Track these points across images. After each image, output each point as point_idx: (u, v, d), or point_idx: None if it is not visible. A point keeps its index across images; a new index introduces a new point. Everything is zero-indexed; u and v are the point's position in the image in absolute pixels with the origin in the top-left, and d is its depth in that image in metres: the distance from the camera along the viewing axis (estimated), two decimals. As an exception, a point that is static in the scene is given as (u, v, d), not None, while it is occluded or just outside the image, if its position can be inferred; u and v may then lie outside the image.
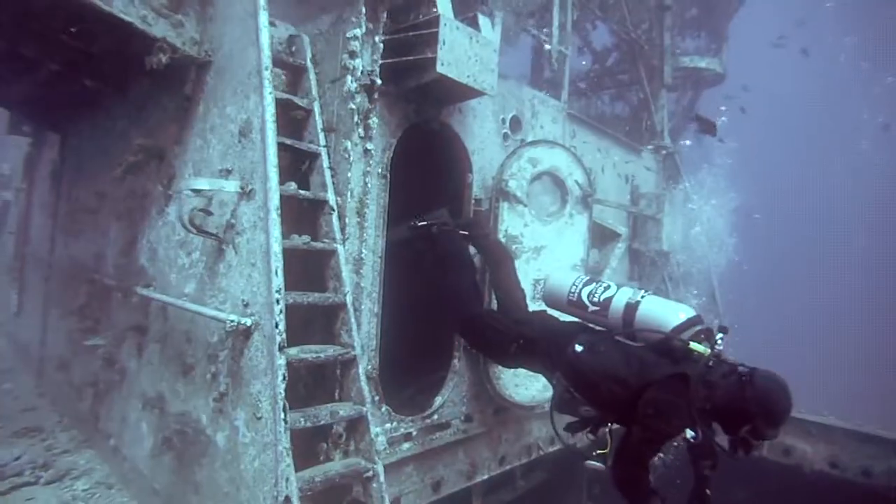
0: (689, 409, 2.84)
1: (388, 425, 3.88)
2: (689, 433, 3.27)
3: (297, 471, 2.81)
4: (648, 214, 6.22)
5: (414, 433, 4.07)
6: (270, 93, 2.88)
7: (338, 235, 3.41)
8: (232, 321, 2.63)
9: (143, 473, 3.58)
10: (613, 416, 3.23)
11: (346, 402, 3.23)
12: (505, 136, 4.67)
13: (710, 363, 2.93)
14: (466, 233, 4.02)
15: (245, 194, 2.86)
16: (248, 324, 2.66)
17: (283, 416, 2.52)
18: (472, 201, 4.39)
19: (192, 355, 3.22)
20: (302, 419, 2.89)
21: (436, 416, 4.24)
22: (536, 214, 4.54)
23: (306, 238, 3.26)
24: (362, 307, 3.65)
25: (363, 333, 3.69)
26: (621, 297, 3.41)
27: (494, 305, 4.10)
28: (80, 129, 5.08)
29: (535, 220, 4.53)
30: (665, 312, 3.24)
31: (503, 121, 4.67)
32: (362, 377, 3.23)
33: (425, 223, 3.89)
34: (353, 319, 3.29)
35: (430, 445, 4.18)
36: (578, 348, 3.27)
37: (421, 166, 4.26)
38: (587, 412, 3.36)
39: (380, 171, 3.76)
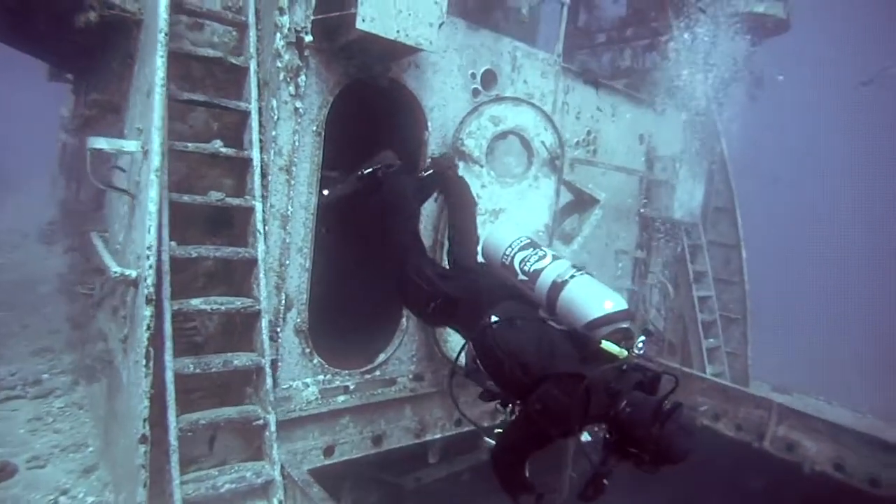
0: (578, 415, 2.70)
1: (320, 377, 4.13)
2: (585, 436, 3.24)
3: (183, 413, 3.16)
4: (662, 179, 5.86)
5: (351, 387, 4.30)
6: (162, 56, 3.04)
7: (257, 192, 3.59)
8: (115, 272, 2.93)
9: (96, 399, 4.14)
10: (514, 398, 3.16)
11: (249, 352, 3.49)
12: (475, 92, 4.57)
13: (624, 368, 2.72)
14: (430, 171, 3.88)
15: (144, 153, 3.11)
16: (133, 276, 2.95)
17: (144, 362, 2.80)
18: (429, 160, 4.40)
19: (117, 299, 3.61)
20: (191, 365, 3.19)
21: (378, 372, 4.44)
22: (496, 176, 4.46)
23: (220, 195, 3.48)
24: (290, 262, 3.86)
25: (293, 288, 3.91)
26: (550, 273, 3.14)
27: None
28: (88, 77, 5.60)
29: (494, 182, 4.45)
30: (588, 301, 2.98)
31: (473, 75, 4.56)
32: (264, 330, 3.46)
33: (371, 169, 3.78)
34: (262, 275, 3.50)
35: (370, 400, 4.40)
36: (494, 319, 3.13)
37: (371, 124, 4.31)
38: (491, 387, 3.29)
39: (314, 128, 3.86)
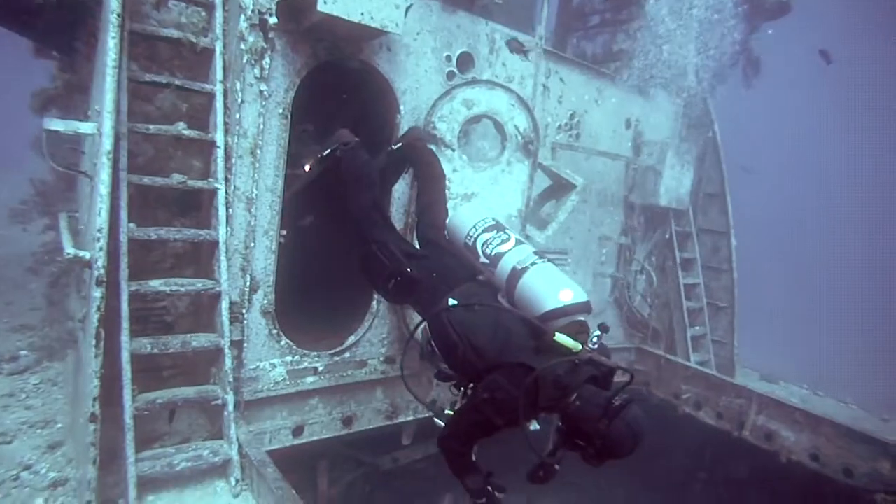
0: (526, 407, 2.71)
1: (288, 358, 4.20)
2: (534, 425, 3.26)
3: (140, 393, 3.24)
4: (648, 164, 5.81)
5: (320, 368, 4.36)
6: (114, 36, 3.06)
7: (221, 175, 3.63)
8: (68, 253, 2.99)
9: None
10: (467, 382, 3.18)
11: (210, 333, 3.55)
12: (450, 75, 4.54)
13: (577, 362, 2.72)
14: (399, 144, 3.88)
15: (99, 135, 3.14)
16: (87, 257, 3.00)
17: (94, 342, 2.87)
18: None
19: (76, 279, 3.69)
20: (149, 345, 3.26)
21: (347, 354, 4.50)
22: (469, 160, 4.46)
23: (182, 177, 3.52)
24: (256, 245, 3.91)
25: (259, 270, 3.96)
26: (511, 259, 3.13)
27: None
28: (69, 55, 5.64)
29: (467, 166, 4.44)
30: (545, 291, 2.96)
31: (448, 58, 4.53)
32: (224, 312, 3.52)
33: (328, 150, 3.74)
34: (222, 257, 3.55)
35: (340, 381, 4.46)
36: (452, 303, 3.12)
37: (342, 107, 4.31)
38: (446, 369, 3.31)
39: (280, 111, 3.87)
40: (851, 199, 38.76)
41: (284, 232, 4.73)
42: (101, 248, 2.87)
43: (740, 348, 6.86)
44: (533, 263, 3.09)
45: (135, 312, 3.56)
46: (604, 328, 2.89)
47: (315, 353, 4.33)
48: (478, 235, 3.33)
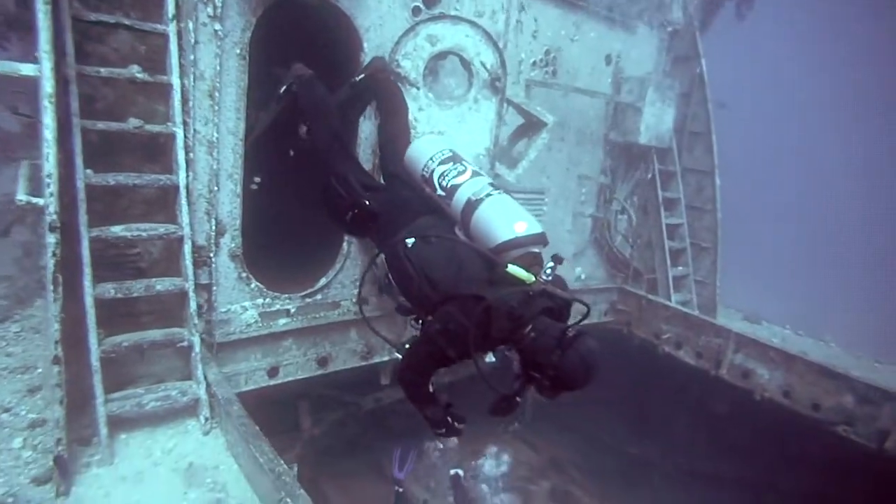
0: (477, 338, 2.77)
1: (259, 301, 4.29)
2: (490, 358, 3.34)
3: (107, 337, 3.34)
4: (628, 101, 5.72)
5: (292, 310, 4.46)
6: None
7: (178, 118, 3.61)
8: (20, 199, 3.02)
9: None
10: (424, 315, 3.25)
11: (175, 277, 3.62)
12: (416, 11, 4.43)
13: (530, 294, 2.77)
14: (363, 75, 3.85)
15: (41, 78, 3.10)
16: (41, 203, 3.04)
17: (52, 287, 2.94)
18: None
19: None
20: (112, 290, 3.34)
21: (319, 296, 4.58)
22: (434, 98, 4.41)
23: (138, 122, 3.51)
24: (221, 188, 3.93)
25: (224, 213, 3.99)
26: (466, 190, 3.12)
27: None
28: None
29: (433, 105, 4.40)
30: (498, 222, 2.98)
31: (413, -8, 4.41)
32: (187, 256, 3.58)
33: (285, 87, 3.73)
34: (183, 201, 3.58)
35: (313, 323, 4.56)
36: (409, 241, 3.13)
37: (304, 46, 4.23)
38: (404, 302, 3.42)
39: (238, 51, 3.81)
40: (841, 138, 38.03)
41: (258, 179, 4.75)
42: (51, 194, 2.91)
43: (723, 289, 6.93)
44: (488, 195, 3.08)
45: (109, 259, 3.66)
46: (557, 259, 2.94)
47: (286, 296, 4.41)
48: (434, 167, 3.30)
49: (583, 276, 6.31)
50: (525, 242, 2.97)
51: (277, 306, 4.38)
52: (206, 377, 3.59)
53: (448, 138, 4.49)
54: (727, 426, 6.31)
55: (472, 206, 3.07)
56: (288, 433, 5.71)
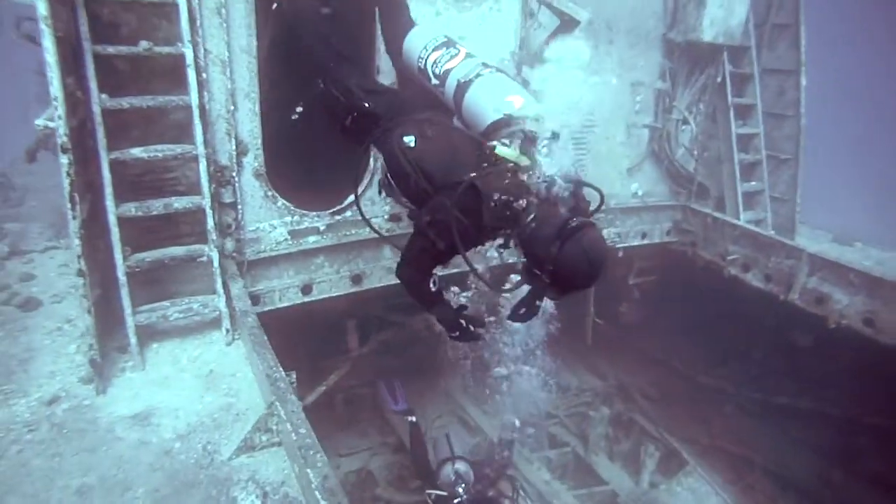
0: (469, 230, 2.64)
1: (287, 219, 4.44)
2: (492, 253, 3.23)
3: (132, 254, 3.61)
4: (689, -8, 5.12)
5: (322, 227, 4.58)
6: None
7: (186, 38, 3.67)
8: (38, 124, 3.25)
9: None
10: None
11: (194, 196, 3.80)
12: None
13: (527, 176, 2.57)
14: None
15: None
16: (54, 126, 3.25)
17: (70, 206, 3.19)
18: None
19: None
20: (133, 208, 3.58)
21: (349, 213, 4.65)
22: (453, 0, 4.18)
23: (147, 44, 3.61)
24: (239, 108, 4.01)
25: (245, 133, 4.10)
26: (458, 73, 2.91)
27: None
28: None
29: (451, 7, 4.18)
30: (489, 100, 2.74)
31: None
32: (202, 173, 3.72)
33: (276, 4, 3.64)
34: (196, 120, 3.69)
35: (343, 240, 4.67)
36: (407, 139, 2.96)
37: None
38: (405, 203, 3.30)
39: (242, -35, 3.78)
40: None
41: (300, 109, 4.74)
42: (59, 117, 3.09)
43: (806, 206, 6.27)
44: (478, 75, 2.85)
45: (147, 184, 3.87)
46: (554, 136, 2.65)
47: (315, 214, 4.52)
48: (428, 56, 3.09)
49: (640, 192, 5.95)
50: (518, 121, 2.69)
51: (306, 224, 4.51)
52: (226, 291, 3.80)
53: (470, 43, 4.29)
54: (802, 355, 5.91)
55: (462, 88, 2.87)
56: (333, 354, 6.02)
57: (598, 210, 2.78)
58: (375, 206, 4.73)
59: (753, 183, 6.16)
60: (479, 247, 3.03)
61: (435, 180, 2.82)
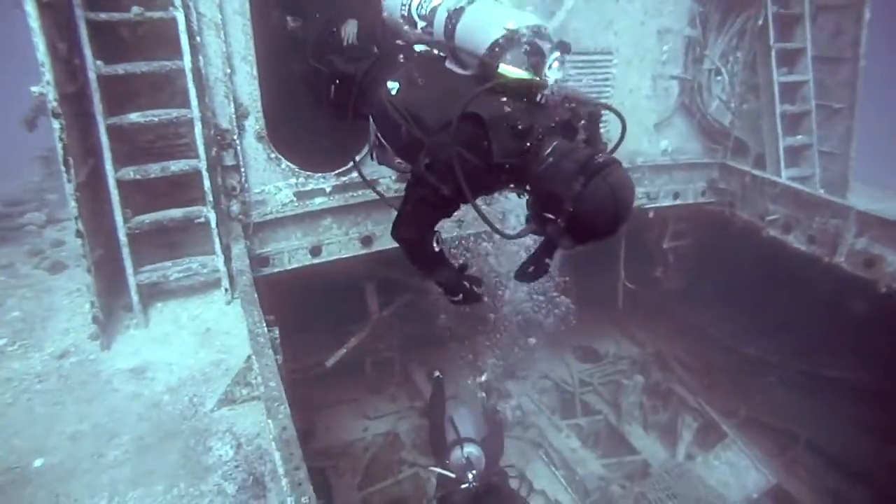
0: (477, 171, 2.34)
1: (292, 181, 4.53)
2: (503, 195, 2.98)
3: (134, 216, 3.81)
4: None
5: (328, 189, 4.65)
6: None
7: (178, 1, 3.77)
8: (33, 91, 3.42)
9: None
10: None
11: (190, 159, 3.94)
12: None
13: (540, 98, 2.32)
14: None
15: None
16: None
17: (64, 169, 3.38)
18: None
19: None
20: (132, 172, 3.76)
21: (355, 174, 4.68)
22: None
23: (139, 10, 3.73)
24: (237, 71, 4.10)
25: (245, 96, 4.20)
26: (448, 3, 2.68)
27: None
28: None
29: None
30: (487, 24, 2.49)
31: None
32: (198, 136, 3.85)
33: None
34: (190, 84, 3.80)
35: (351, 201, 4.72)
36: (392, 85, 2.78)
37: None
38: (400, 164, 3.14)
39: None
40: None
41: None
42: (48, 83, 3.27)
43: (859, 161, 5.78)
44: (470, 2, 2.61)
45: (158, 150, 4.04)
46: (564, 48, 2.41)
47: (320, 175, 4.59)
48: (410, 2, 2.89)
49: (670, 150, 5.67)
50: (521, 36, 2.43)
51: (312, 185, 4.59)
52: (227, 252, 3.95)
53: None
54: (852, 323, 5.53)
55: (453, 19, 2.61)
56: (354, 319, 6.14)
57: (619, 144, 2.54)
58: (382, 168, 4.72)
59: (799, 137, 5.73)
60: (489, 194, 2.81)
61: (429, 126, 2.54)
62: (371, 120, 3.04)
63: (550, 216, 2.22)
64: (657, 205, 5.75)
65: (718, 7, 5.23)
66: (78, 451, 2.83)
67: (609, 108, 2.54)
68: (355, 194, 4.70)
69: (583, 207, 2.09)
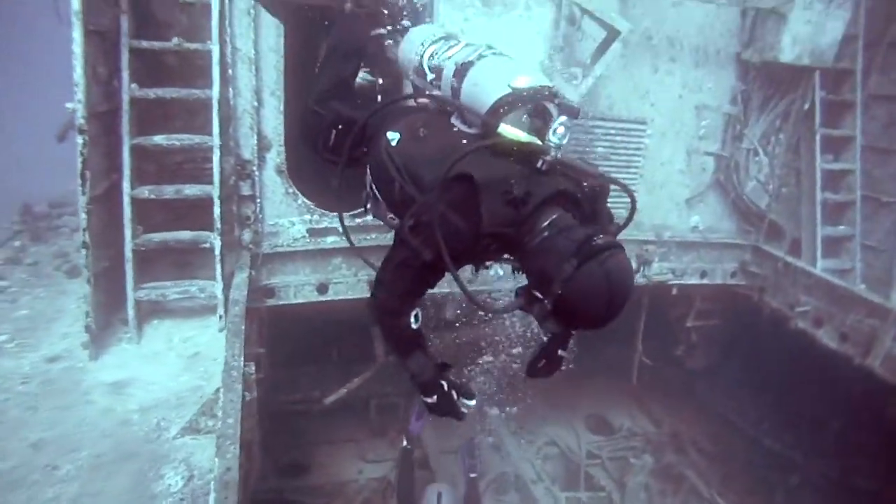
0: (463, 236, 2.14)
1: (307, 217, 4.60)
2: (496, 270, 2.77)
3: (144, 234, 3.92)
4: (769, 8, 4.66)
5: (341, 229, 4.67)
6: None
7: (215, 35, 3.95)
8: (68, 106, 3.62)
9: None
10: None
11: (205, 185, 4.05)
12: None
13: (541, 165, 2.13)
14: None
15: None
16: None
17: (80, 182, 3.53)
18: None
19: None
20: (147, 191, 3.90)
21: (370, 217, 4.69)
22: (483, 4, 4.12)
23: (178, 40, 3.93)
24: (265, 105, 4.24)
25: (270, 129, 4.33)
26: (457, 57, 2.53)
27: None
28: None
29: (480, 14, 4.13)
30: (492, 81, 2.34)
31: None
32: (215, 165, 3.97)
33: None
34: (214, 114, 3.95)
35: (363, 243, 4.71)
36: (392, 135, 2.60)
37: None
38: (392, 220, 2.89)
39: (276, -30, 4.00)
40: None
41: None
42: (79, 101, 3.45)
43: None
44: (481, 56, 2.47)
45: (187, 172, 4.19)
46: (570, 112, 2.21)
47: (334, 214, 4.63)
48: (424, 51, 2.75)
49: (700, 227, 5.48)
50: (527, 97, 2.27)
51: (326, 223, 4.64)
52: (226, 279, 4.00)
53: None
54: (884, 430, 5.12)
55: (460, 73, 2.47)
56: (361, 362, 6.08)
57: (627, 224, 2.31)
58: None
59: (841, 227, 5.44)
60: (476, 264, 2.53)
61: (424, 184, 2.36)
62: (368, 170, 2.86)
63: (539, 295, 2.02)
64: (682, 282, 5.53)
65: (762, 87, 5.08)
66: (34, 459, 2.86)
67: (616, 182, 2.30)
68: (368, 237, 4.72)
69: (572, 292, 1.89)
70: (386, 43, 3.38)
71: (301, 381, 6.30)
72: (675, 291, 5.60)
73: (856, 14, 4.91)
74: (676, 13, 4.69)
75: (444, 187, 2.15)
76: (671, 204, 5.37)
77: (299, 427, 6.33)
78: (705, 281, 5.63)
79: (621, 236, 2.15)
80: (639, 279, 5.24)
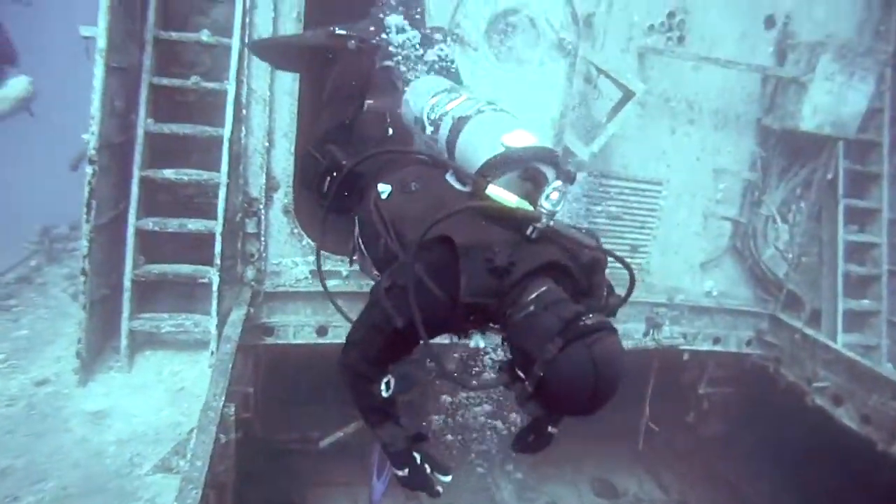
0: (440, 305, 2.01)
1: (310, 258, 4.59)
2: (476, 341, 2.50)
3: (146, 264, 3.97)
4: (790, 77, 4.59)
5: (344, 273, 4.67)
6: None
7: (232, 75, 4.05)
8: (84, 137, 3.71)
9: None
10: None
11: (209, 220, 4.09)
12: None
13: (531, 232, 2.02)
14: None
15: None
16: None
17: (85, 211, 3.60)
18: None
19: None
20: (151, 224, 3.95)
21: (368, 264, 4.70)
22: (496, 60, 4.15)
23: (196, 78, 4.04)
24: (276, 146, 4.29)
25: (279, 170, 4.38)
26: (456, 112, 2.46)
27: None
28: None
29: (494, 68, 4.16)
30: (485, 138, 2.27)
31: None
32: (221, 201, 4.01)
33: (344, 33, 3.20)
34: (224, 151, 4.01)
35: (365, 289, 4.67)
36: (383, 188, 2.52)
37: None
38: (376, 277, 2.78)
39: (294, 15, 4.09)
40: None
41: None
42: (93, 133, 3.55)
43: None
44: (479, 111, 2.39)
45: (195, 206, 4.26)
46: (566, 176, 2.14)
47: (339, 258, 4.62)
48: (425, 103, 2.70)
49: (714, 292, 5.30)
50: (523, 159, 2.17)
51: (329, 266, 4.60)
52: (222, 316, 3.99)
53: (510, 105, 4.21)
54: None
55: (456, 128, 2.39)
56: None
57: (625, 301, 2.20)
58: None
59: (865, 301, 5.21)
60: (454, 335, 2.38)
61: (406, 243, 2.24)
62: (357, 221, 2.80)
63: (521, 374, 1.88)
64: (693, 347, 5.34)
65: (782, 153, 4.98)
66: (-3, 488, 2.83)
67: (613, 255, 2.14)
68: (370, 282, 4.67)
69: (554, 376, 1.74)
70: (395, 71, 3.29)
71: (300, 420, 6.23)
72: (686, 357, 5.40)
73: (881, 87, 4.81)
74: (696, 76, 4.65)
75: (423, 249, 2.02)
76: (685, 267, 5.23)
77: (294, 466, 6.22)
78: (718, 348, 5.43)
79: (630, 300, 2.06)
80: (648, 343, 5.10)
